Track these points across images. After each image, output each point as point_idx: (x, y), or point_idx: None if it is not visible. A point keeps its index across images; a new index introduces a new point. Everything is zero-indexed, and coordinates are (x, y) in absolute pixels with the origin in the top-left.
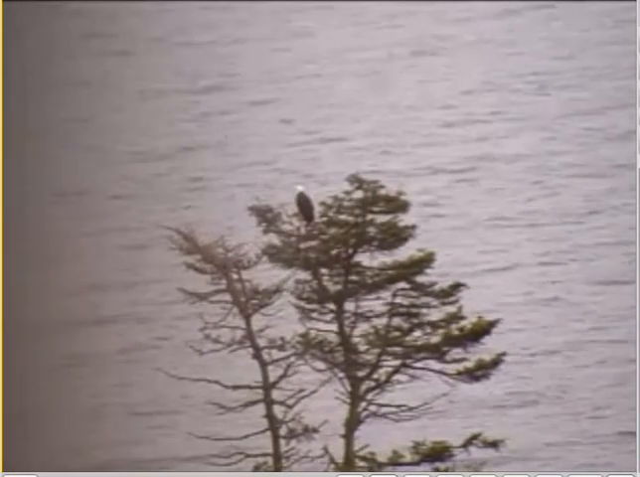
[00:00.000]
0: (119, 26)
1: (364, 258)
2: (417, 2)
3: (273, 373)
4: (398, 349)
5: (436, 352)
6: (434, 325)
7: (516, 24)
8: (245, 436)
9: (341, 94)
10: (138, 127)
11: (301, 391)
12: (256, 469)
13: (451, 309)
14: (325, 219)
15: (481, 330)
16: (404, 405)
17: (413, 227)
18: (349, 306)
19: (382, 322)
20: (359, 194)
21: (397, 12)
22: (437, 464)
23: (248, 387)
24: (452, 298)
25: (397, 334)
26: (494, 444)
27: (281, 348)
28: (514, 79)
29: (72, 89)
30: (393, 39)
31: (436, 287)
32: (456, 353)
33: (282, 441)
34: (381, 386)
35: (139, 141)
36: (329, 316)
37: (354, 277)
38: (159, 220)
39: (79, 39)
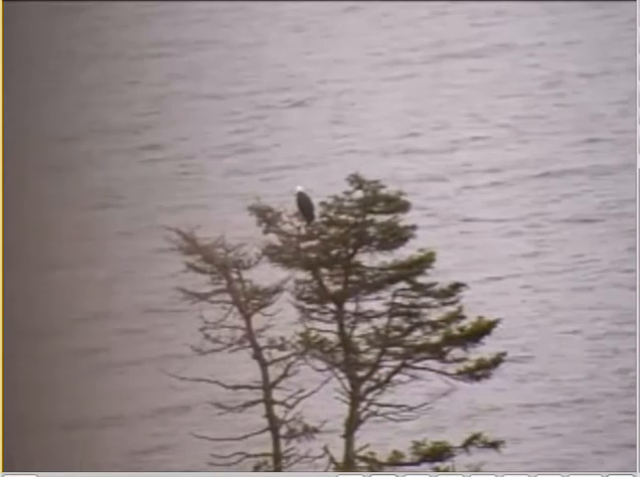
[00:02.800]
0: (123, 28)
1: (364, 258)
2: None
3: (273, 373)
4: (398, 349)
5: (436, 352)
6: (434, 325)
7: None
8: (245, 436)
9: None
10: (144, 129)
11: (301, 391)
12: (256, 469)
13: (451, 309)
14: (325, 219)
15: (481, 330)
16: (404, 405)
17: (414, 227)
18: (349, 306)
19: (382, 322)
20: (359, 194)
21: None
22: (437, 464)
23: (249, 387)
24: (452, 298)
25: (397, 334)
26: (494, 444)
27: (281, 348)
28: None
29: (73, 90)
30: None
31: (436, 287)
32: (456, 353)
33: (282, 441)
34: (381, 386)
35: (146, 143)
36: (329, 316)
37: (354, 277)
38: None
39: (80, 39)
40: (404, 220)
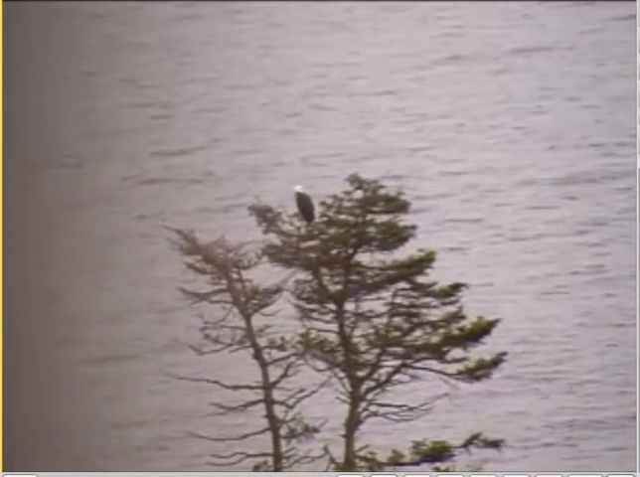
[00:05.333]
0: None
1: (364, 258)
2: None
3: (273, 373)
4: (398, 349)
5: (436, 352)
6: (434, 325)
7: None
8: (245, 436)
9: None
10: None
11: (301, 390)
12: (256, 469)
13: (451, 309)
14: (325, 219)
15: (481, 330)
16: (404, 405)
17: (413, 227)
18: (349, 306)
19: (382, 322)
20: (359, 194)
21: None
22: (437, 464)
23: (249, 387)
24: (452, 298)
25: (397, 334)
26: (494, 444)
27: (281, 348)
28: None
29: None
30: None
31: (436, 287)
32: (456, 353)
33: (282, 441)
34: (381, 386)
35: (156, 146)
36: (329, 316)
37: (354, 277)
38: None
39: (80, 38)
40: (405, 220)
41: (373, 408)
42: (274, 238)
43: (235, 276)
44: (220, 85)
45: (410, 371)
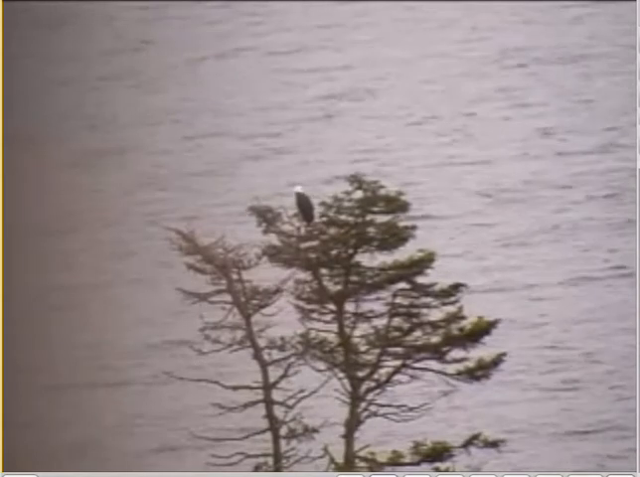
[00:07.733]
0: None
1: (364, 259)
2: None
3: (273, 373)
4: (398, 349)
5: (436, 352)
6: (434, 325)
7: None
8: (246, 436)
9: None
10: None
11: (301, 391)
12: (257, 469)
13: (451, 309)
14: (325, 219)
15: (481, 330)
16: (404, 405)
17: (413, 227)
18: (349, 306)
19: (382, 322)
20: (359, 194)
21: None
22: (437, 464)
23: (249, 387)
24: (452, 298)
25: (397, 334)
26: (494, 444)
27: (281, 348)
28: None
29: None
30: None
31: (436, 287)
32: (456, 353)
33: (282, 441)
34: (381, 386)
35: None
36: (329, 316)
37: (354, 277)
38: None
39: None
40: (404, 220)
41: (373, 408)
42: (274, 239)
43: (234, 277)
44: (228, 86)
45: (410, 371)
